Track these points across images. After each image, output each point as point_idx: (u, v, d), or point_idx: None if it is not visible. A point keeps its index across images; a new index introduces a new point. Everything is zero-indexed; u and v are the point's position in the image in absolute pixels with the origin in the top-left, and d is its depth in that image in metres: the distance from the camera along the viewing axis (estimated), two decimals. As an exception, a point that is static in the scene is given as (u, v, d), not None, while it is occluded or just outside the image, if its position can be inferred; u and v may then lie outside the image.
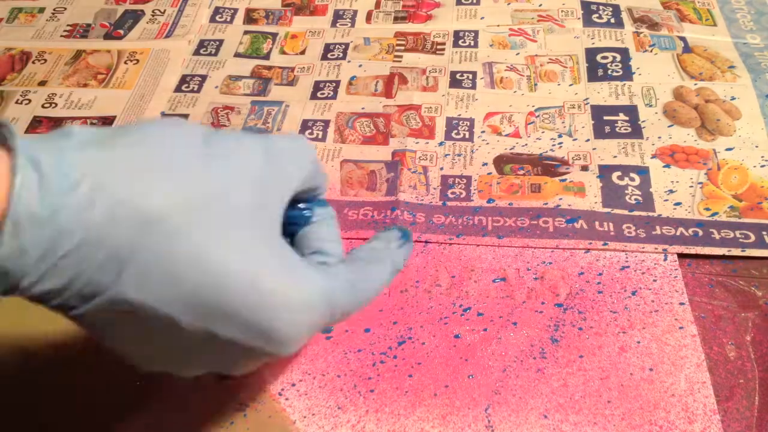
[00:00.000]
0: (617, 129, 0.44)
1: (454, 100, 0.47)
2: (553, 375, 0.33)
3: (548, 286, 0.36)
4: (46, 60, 0.52)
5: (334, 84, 0.49)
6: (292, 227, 0.28)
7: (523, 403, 0.32)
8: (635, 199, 0.40)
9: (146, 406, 0.32)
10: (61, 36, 0.54)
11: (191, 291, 0.21)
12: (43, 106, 0.48)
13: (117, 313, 0.22)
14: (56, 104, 0.48)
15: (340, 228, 0.29)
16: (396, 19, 0.54)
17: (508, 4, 0.54)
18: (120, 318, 0.22)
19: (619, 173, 0.41)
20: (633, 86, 0.47)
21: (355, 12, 0.55)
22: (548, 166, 0.42)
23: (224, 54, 0.52)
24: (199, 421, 0.32)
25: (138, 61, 0.52)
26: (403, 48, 0.51)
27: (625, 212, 0.39)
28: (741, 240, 0.37)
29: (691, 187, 0.40)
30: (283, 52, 0.52)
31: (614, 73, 0.48)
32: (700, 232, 0.38)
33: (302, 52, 0.52)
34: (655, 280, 0.36)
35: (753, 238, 0.37)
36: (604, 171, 0.41)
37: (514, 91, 0.47)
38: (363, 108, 0.47)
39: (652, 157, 0.42)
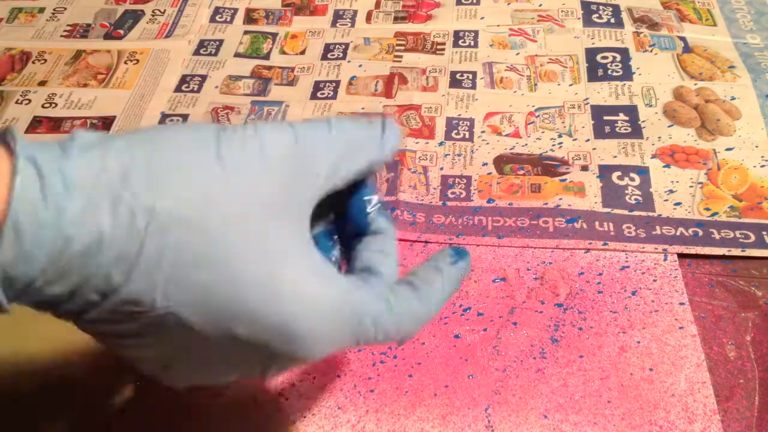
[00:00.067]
0: (617, 129, 0.44)
1: (454, 100, 0.47)
2: (553, 375, 0.33)
3: (548, 286, 0.36)
4: (46, 60, 0.52)
5: (334, 84, 0.49)
6: (349, 222, 0.26)
7: (523, 403, 0.32)
8: (635, 199, 0.40)
9: (146, 407, 0.32)
10: (61, 36, 0.54)
11: (203, 292, 0.21)
12: (43, 106, 0.48)
13: (128, 320, 0.21)
14: (56, 104, 0.48)
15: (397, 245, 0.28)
16: (396, 19, 0.54)
17: (508, 4, 0.54)
18: (131, 325, 0.21)
19: (619, 173, 0.41)
20: (633, 86, 0.47)
21: (355, 12, 0.55)
22: (548, 166, 0.42)
23: (224, 54, 0.52)
24: (199, 421, 0.32)
25: (138, 61, 0.52)
26: (403, 48, 0.51)
27: (625, 212, 0.39)
28: (741, 240, 0.37)
29: (691, 187, 0.40)
30: (283, 52, 0.52)
31: (614, 73, 0.48)
32: (700, 232, 0.38)
33: (302, 52, 0.52)
34: (655, 280, 0.36)
35: (753, 238, 0.37)
36: (604, 171, 0.41)
37: (514, 91, 0.47)
38: (363, 108, 0.47)
39: (652, 157, 0.42)
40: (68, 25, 0.55)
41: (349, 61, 0.51)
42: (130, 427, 0.32)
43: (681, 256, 0.37)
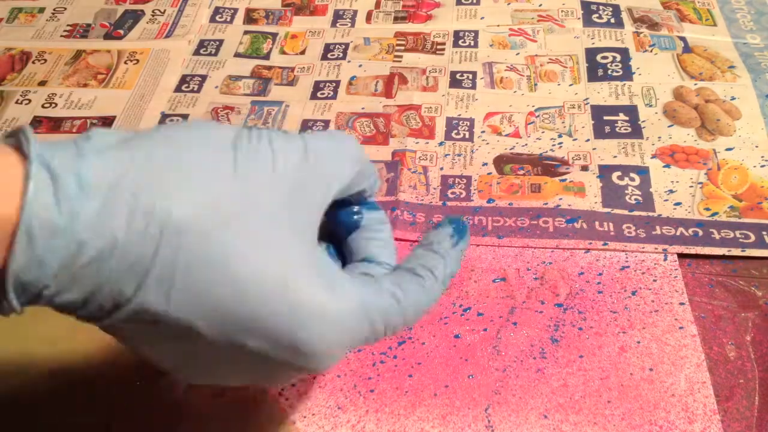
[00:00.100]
0: (617, 129, 0.44)
1: (454, 100, 0.47)
2: (553, 375, 0.33)
3: (548, 286, 0.36)
4: (46, 60, 0.52)
5: (334, 84, 0.49)
6: (340, 230, 0.27)
7: (523, 403, 0.32)
8: (635, 199, 0.40)
9: (146, 407, 0.32)
10: (61, 36, 0.55)
11: (215, 301, 0.20)
12: (43, 106, 0.48)
13: (143, 324, 0.21)
14: (56, 104, 0.48)
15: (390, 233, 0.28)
16: (396, 19, 0.54)
17: (508, 4, 0.54)
18: (147, 328, 0.21)
19: (619, 173, 0.41)
20: (633, 86, 0.47)
21: (355, 12, 0.55)
22: (548, 166, 0.42)
23: (224, 54, 0.52)
24: (199, 421, 0.32)
25: (138, 61, 0.52)
26: (403, 48, 0.51)
27: (625, 212, 0.39)
28: (741, 240, 0.37)
29: (691, 187, 0.40)
30: (283, 52, 0.52)
31: (614, 73, 0.48)
32: (700, 232, 0.38)
33: (302, 52, 0.52)
34: (655, 280, 0.36)
35: (753, 238, 0.37)
36: (604, 171, 0.41)
37: (514, 91, 0.47)
38: (363, 108, 0.47)
39: (652, 157, 0.42)
40: (68, 25, 0.55)
41: (349, 61, 0.51)
42: (130, 427, 0.32)
43: (681, 256, 0.37)
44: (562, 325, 0.35)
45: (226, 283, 0.20)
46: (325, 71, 0.50)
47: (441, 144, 0.44)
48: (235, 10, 0.56)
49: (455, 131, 0.45)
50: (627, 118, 0.45)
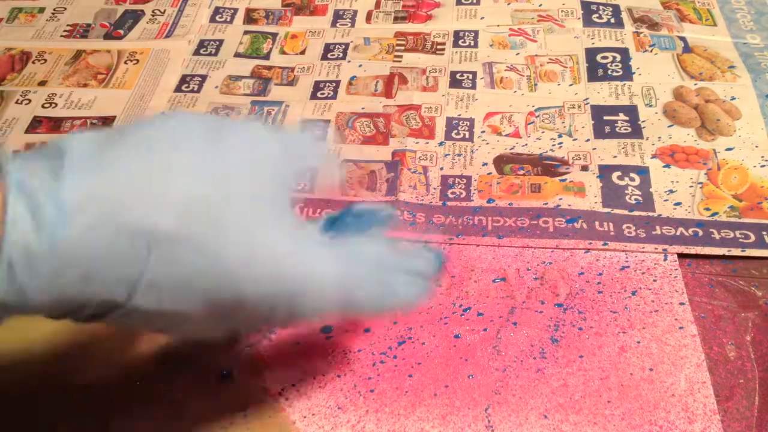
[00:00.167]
0: (617, 129, 0.44)
1: (454, 100, 0.47)
2: (553, 375, 0.33)
3: (548, 286, 0.36)
4: (46, 60, 0.52)
5: (334, 84, 0.49)
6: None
7: (523, 403, 0.32)
8: (635, 199, 0.40)
9: (145, 406, 0.32)
10: (61, 36, 0.54)
11: (209, 291, 0.21)
12: (43, 106, 0.48)
13: (135, 315, 0.21)
14: (56, 104, 0.48)
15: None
16: (396, 19, 0.54)
17: (508, 4, 0.54)
18: (138, 318, 0.22)
19: (619, 173, 0.41)
20: (633, 86, 0.47)
21: (355, 12, 0.55)
22: (548, 166, 0.42)
23: (224, 54, 0.52)
24: (199, 421, 0.32)
25: (138, 61, 0.52)
26: (403, 48, 0.51)
27: (625, 212, 0.39)
28: (741, 240, 0.37)
29: (691, 187, 0.40)
30: (283, 52, 0.52)
31: (614, 73, 0.48)
32: (700, 232, 0.38)
33: (302, 52, 0.52)
34: (655, 280, 0.36)
35: (753, 238, 0.37)
36: (604, 171, 0.41)
37: (514, 91, 0.47)
38: (363, 108, 0.47)
39: (652, 157, 0.42)
40: (68, 25, 0.55)
41: (349, 61, 0.51)
42: (129, 426, 0.32)
43: (681, 256, 0.37)
44: (562, 325, 0.35)
45: (216, 274, 0.21)
46: (325, 71, 0.50)
47: (441, 144, 0.44)
48: (235, 10, 0.56)
49: (455, 131, 0.45)
50: (627, 118, 0.45)
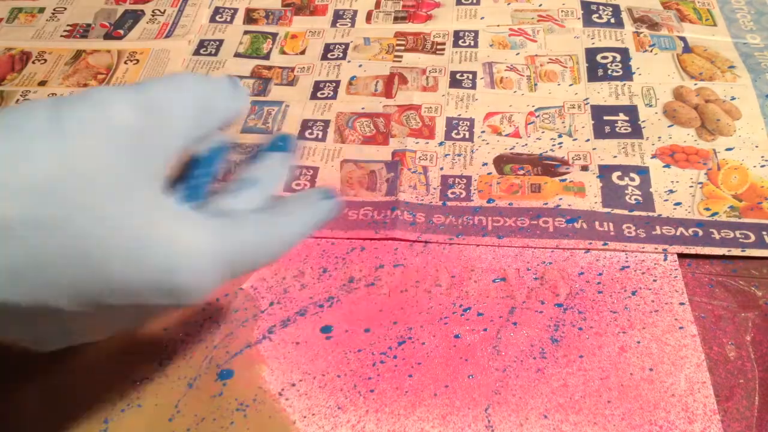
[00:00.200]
0: (617, 129, 0.44)
1: (454, 100, 0.47)
2: (553, 375, 0.33)
3: (548, 286, 0.36)
4: (46, 60, 0.52)
5: (334, 84, 0.49)
6: (199, 178, 0.28)
7: (523, 403, 0.32)
8: (635, 199, 0.40)
9: (145, 406, 0.32)
10: (61, 36, 0.55)
11: (75, 279, 0.20)
12: (43, 106, 0.48)
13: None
14: (56, 104, 0.48)
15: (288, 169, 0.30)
16: (396, 19, 0.54)
17: (508, 4, 0.54)
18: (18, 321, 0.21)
19: (619, 173, 0.41)
20: (633, 86, 0.47)
21: (355, 12, 0.55)
22: (548, 166, 0.42)
23: (224, 54, 0.52)
24: (199, 421, 0.32)
25: (138, 61, 0.52)
26: (403, 48, 0.51)
27: (625, 212, 0.39)
28: (741, 240, 0.37)
29: (691, 187, 0.40)
30: (283, 52, 0.52)
31: (614, 73, 0.48)
32: (700, 232, 0.38)
33: (302, 52, 0.52)
34: (655, 280, 0.36)
35: (753, 238, 0.37)
36: (604, 171, 0.41)
37: (514, 91, 0.47)
38: (363, 108, 0.47)
39: (652, 157, 0.42)
40: (68, 25, 0.55)
41: (349, 61, 0.51)
42: (128, 426, 0.32)
43: (681, 256, 0.37)
44: (562, 325, 0.35)
45: (80, 260, 0.20)
46: (325, 71, 0.50)
47: (441, 144, 0.44)
48: (235, 10, 0.56)
49: (455, 131, 0.45)
50: (627, 118, 0.45)
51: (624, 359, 0.33)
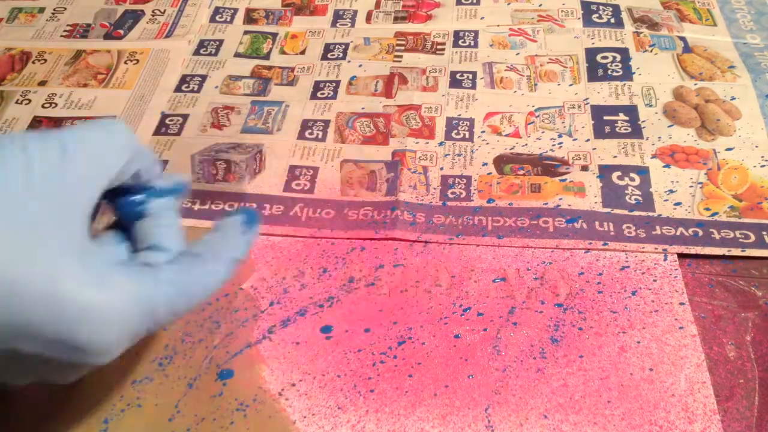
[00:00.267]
0: (617, 129, 0.44)
1: (454, 100, 0.47)
2: (553, 375, 0.33)
3: (548, 286, 0.36)
4: (46, 60, 0.52)
5: (334, 84, 0.49)
6: (127, 218, 0.28)
7: (523, 403, 0.32)
8: (635, 199, 0.40)
9: (145, 406, 0.32)
10: (61, 36, 0.55)
11: None
12: (43, 106, 0.48)
13: None
14: (56, 104, 0.48)
15: (180, 218, 0.29)
16: (396, 19, 0.54)
17: (508, 4, 0.54)
18: None
19: (619, 173, 0.41)
20: (633, 86, 0.47)
21: (355, 12, 0.55)
22: (548, 166, 0.42)
23: (224, 54, 0.52)
24: (199, 421, 0.32)
25: (138, 61, 0.52)
26: (403, 48, 0.51)
27: (625, 212, 0.39)
28: (741, 240, 0.37)
29: (691, 187, 0.40)
30: (283, 52, 0.52)
31: (614, 73, 0.48)
32: (700, 232, 0.38)
33: (302, 52, 0.52)
34: (655, 280, 0.36)
35: (753, 238, 0.37)
36: (604, 171, 0.41)
37: (514, 91, 0.47)
38: (363, 108, 0.47)
39: (652, 157, 0.42)
40: (68, 25, 0.55)
41: (349, 61, 0.51)
42: (127, 426, 0.32)
43: (681, 256, 0.37)
44: (562, 325, 0.35)
45: None
46: (325, 71, 0.50)
47: (441, 144, 0.44)
48: (235, 10, 0.56)
49: (455, 131, 0.45)
50: (627, 118, 0.45)
51: (624, 359, 0.33)
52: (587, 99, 0.46)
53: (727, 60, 0.48)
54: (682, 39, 0.50)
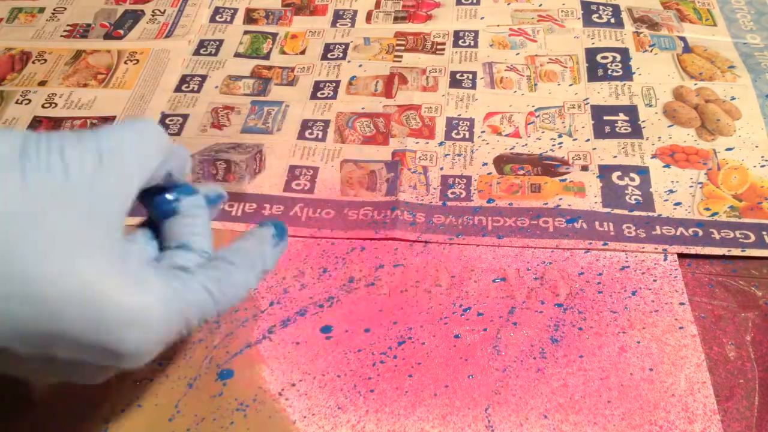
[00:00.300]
0: (617, 129, 0.44)
1: (454, 100, 0.47)
2: (553, 375, 0.33)
3: (548, 286, 0.36)
4: (46, 60, 0.52)
5: (334, 84, 0.49)
6: (157, 216, 0.28)
7: (523, 403, 0.32)
8: (635, 199, 0.40)
9: (145, 406, 0.32)
10: (61, 36, 0.54)
11: (21, 321, 0.20)
12: (43, 106, 0.48)
13: None
14: (56, 104, 0.48)
15: (211, 220, 0.29)
16: (396, 19, 0.54)
17: (508, 4, 0.54)
18: None
19: (619, 173, 0.41)
20: (633, 86, 0.47)
21: (355, 12, 0.55)
22: (548, 166, 0.42)
23: (224, 54, 0.52)
24: (199, 421, 0.32)
25: (138, 61, 0.52)
26: (403, 48, 0.51)
27: (625, 212, 0.39)
28: (741, 240, 0.37)
29: (691, 187, 0.40)
30: (283, 52, 0.52)
31: (614, 73, 0.48)
32: (700, 232, 0.38)
33: (302, 52, 0.52)
34: (655, 280, 0.36)
35: (753, 238, 0.37)
36: (604, 171, 0.41)
37: (514, 91, 0.47)
38: (363, 108, 0.47)
39: (652, 157, 0.42)
40: (68, 25, 0.55)
41: (349, 61, 0.51)
42: (127, 426, 0.32)
43: (681, 256, 0.37)
44: (562, 325, 0.35)
45: (28, 302, 0.20)
46: (325, 71, 0.50)
47: (441, 144, 0.44)
48: (235, 10, 0.56)
49: (455, 131, 0.45)
50: (627, 118, 0.45)
51: (624, 359, 0.33)
52: (587, 99, 0.46)
53: (727, 60, 0.48)
54: (682, 39, 0.50)
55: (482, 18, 0.53)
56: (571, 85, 0.47)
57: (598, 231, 0.38)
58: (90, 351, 0.22)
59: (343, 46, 0.52)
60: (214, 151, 0.44)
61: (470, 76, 0.49)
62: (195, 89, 0.49)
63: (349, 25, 0.54)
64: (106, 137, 0.23)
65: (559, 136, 0.44)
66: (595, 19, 0.52)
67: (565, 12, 0.53)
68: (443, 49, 0.51)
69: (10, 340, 0.21)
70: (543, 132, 0.44)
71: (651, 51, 0.49)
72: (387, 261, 0.38)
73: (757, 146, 0.42)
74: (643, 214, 0.39)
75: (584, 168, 0.42)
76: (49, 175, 0.22)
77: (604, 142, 0.43)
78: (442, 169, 0.42)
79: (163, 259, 0.26)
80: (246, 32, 0.54)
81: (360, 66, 0.50)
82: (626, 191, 0.40)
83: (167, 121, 0.47)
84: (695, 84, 0.46)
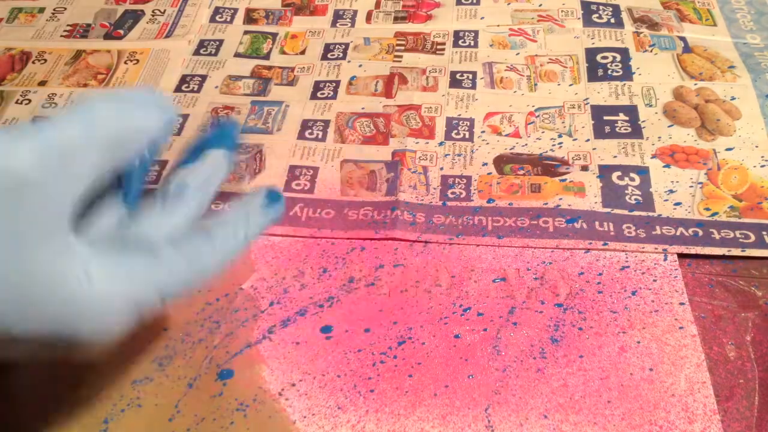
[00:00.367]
0: (617, 129, 0.44)
1: (454, 100, 0.47)
2: (553, 375, 0.33)
3: (548, 286, 0.36)
4: (46, 60, 0.52)
5: (334, 84, 0.49)
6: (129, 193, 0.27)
7: (523, 403, 0.32)
8: (635, 199, 0.40)
9: (145, 406, 0.32)
10: (61, 36, 0.55)
11: None
12: (43, 106, 0.48)
13: None
14: (56, 104, 0.48)
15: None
16: (396, 19, 0.54)
17: (508, 4, 0.54)
18: None
19: (619, 173, 0.41)
20: (633, 86, 0.47)
21: (355, 12, 0.55)
22: (548, 166, 0.42)
23: (224, 54, 0.52)
24: (199, 421, 0.32)
25: (138, 61, 0.52)
26: (403, 48, 0.51)
27: (625, 212, 0.39)
28: (741, 240, 0.37)
29: (691, 187, 0.40)
30: (283, 52, 0.52)
31: (614, 73, 0.48)
32: (700, 232, 0.38)
33: (302, 52, 0.52)
34: (655, 280, 0.36)
35: (753, 238, 0.37)
36: (604, 171, 0.41)
37: (514, 91, 0.47)
38: (363, 108, 0.47)
39: (652, 157, 0.42)
40: (68, 25, 0.55)
41: (349, 61, 0.51)
42: (126, 425, 0.32)
43: (681, 256, 0.37)
44: (562, 325, 0.35)
45: None
46: (325, 71, 0.50)
47: (441, 144, 0.44)
48: (235, 10, 0.56)
49: (455, 131, 0.45)
50: (627, 118, 0.45)
51: (624, 359, 0.33)
52: (587, 99, 0.46)
53: (727, 60, 0.48)
54: (682, 39, 0.50)
55: (482, 18, 0.53)
56: (571, 85, 0.47)
57: (598, 231, 0.38)
58: (46, 345, 0.22)
59: (343, 46, 0.52)
60: (214, 151, 0.44)
61: (470, 76, 0.49)
62: (195, 89, 0.49)
63: (349, 25, 0.54)
64: (51, 126, 0.22)
65: (559, 136, 0.44)
66: (595, 19, 0.52)
67: (565, 12, 0.53)
68: (443, 49, 0.51)
69: None
70: (543, 132, 0.44)
71: (651, 51, 0.49)
72: (387, 261, 0.38)
73: (757, 146, 0.42)
74: (643, 214, 0.39)
75: (584, 168, 0.42)
76: None
77: (604, 142, 0.43)
78: (442, 169, 0.42)
79: (129, 233, 0.25)
80: (246, 32, 0.54)
81: (360, 66, 0.50)
82: (626, 191, 0.40)
83: (167, 121, 0.47)
84: (695, 84, 0.46)
